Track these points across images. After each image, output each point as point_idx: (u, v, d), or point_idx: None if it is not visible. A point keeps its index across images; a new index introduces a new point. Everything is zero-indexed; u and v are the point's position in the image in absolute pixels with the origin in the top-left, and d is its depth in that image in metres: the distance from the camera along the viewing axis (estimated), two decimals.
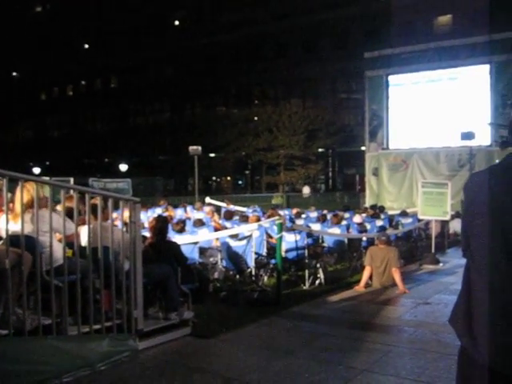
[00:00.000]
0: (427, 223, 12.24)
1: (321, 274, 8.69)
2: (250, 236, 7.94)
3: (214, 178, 47.71)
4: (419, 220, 12.16)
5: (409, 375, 4.72)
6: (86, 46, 51.02)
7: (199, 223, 9.53)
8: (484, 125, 18.87)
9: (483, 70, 20.06)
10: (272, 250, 8.34)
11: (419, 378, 4.64)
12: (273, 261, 8.10)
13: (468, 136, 16.06)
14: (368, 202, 20.95)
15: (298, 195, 33.74)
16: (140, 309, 5.25)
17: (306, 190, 34.67)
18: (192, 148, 22.21)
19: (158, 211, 13.71)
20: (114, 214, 5.61)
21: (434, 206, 10.96)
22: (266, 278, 8.67)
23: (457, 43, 21.02)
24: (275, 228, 7.84)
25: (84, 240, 5.00)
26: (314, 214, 12.87)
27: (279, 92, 41.82)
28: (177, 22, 47.05)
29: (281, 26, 40.33)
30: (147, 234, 6.79)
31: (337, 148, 38.10)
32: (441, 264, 10.48)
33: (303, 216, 12.47)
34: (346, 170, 40.44)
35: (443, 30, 36.65)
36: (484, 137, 18.71)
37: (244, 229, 8.28)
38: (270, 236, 8.83)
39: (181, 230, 8.37)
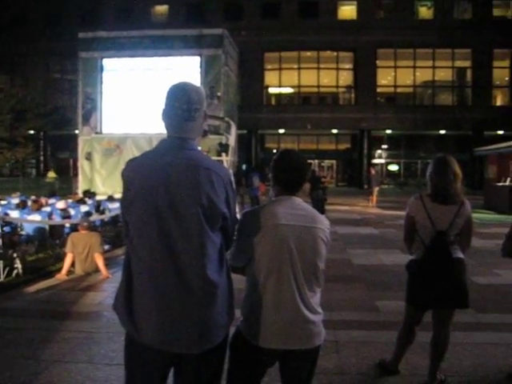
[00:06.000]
0: None
1: (18, 264, 8.11)
2: None
3: None
4: None
5: (102, 360, 4.69)
6: None
7: None
8: None
9: (195, 61, 21.12)
10: None
11: (112, 362, 4.64)
12: None
13: None
14: (81, 187, 20.40)
15: (7, 180, 31.12)
16: None
17: (52, 174, 32.35)
18: None
19: None
20: None
21: None
22: None
23: (172, 33, 21.69)
24: None
25: None
26: (16, 201, 11.96)
27: None
28: None
29: None
30: None
31: (49, 131, 36.15)
32: None
33: (3, 202, 11.49)
34: (59, 153, 38.76)
35: (160, 20, 37.58)
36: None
37: None
38: None
39: None
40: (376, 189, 22.38)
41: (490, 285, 7.62)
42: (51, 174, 31.39)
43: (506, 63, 37.73)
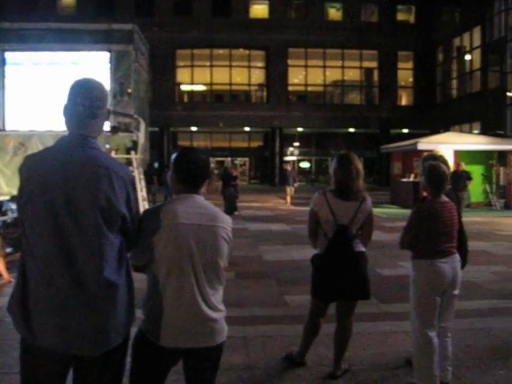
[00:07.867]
0: None
1: None
2: None
3: None
4: None
5: (1, 369, 4.46)
6: None
7: None
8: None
9: (104, 57, 20.52)
10: None
11: (11, 370, 4.41)
12: None
13: None
14: None
15: None
16: None
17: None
18: None
19: None
20: None
21: None
22: None
23: (79, 27, 20.93)
24: None
25: None
26: None
27: None
28: None
29: None
30: None
31: None
32: None
33: None
34: None
35: (67, 12, 36.25)
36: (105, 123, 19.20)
37: None
38: None
39: None
40: (292, 187, 21.92)
41: (393, 276, 7.97)
42: None
43: (410, 65, 39.60)
